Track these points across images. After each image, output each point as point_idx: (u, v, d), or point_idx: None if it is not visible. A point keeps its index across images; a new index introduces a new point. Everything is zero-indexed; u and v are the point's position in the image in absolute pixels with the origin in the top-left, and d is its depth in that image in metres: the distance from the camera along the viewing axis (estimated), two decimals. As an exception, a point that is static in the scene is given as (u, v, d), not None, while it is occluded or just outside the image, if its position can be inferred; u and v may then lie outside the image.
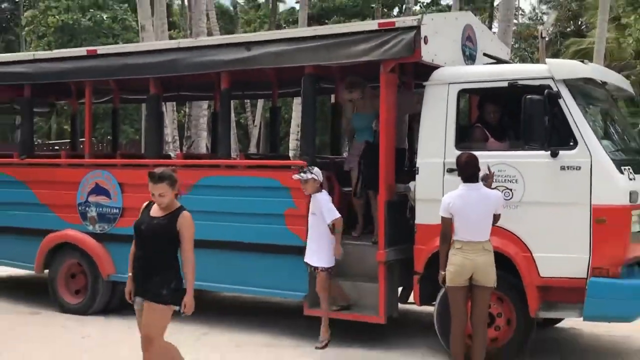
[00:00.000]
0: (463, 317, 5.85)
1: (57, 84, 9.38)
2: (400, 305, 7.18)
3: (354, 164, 7.49)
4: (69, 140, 13.21)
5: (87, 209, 8.33)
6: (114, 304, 8.30)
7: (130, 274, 5.10)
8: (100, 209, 8.19)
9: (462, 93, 6.69)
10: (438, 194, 6.30)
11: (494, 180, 6.09)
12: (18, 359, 6.62)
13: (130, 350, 6.16)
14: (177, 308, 4.95)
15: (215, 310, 8.56)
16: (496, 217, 5.82)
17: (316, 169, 6.81)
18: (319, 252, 6.82)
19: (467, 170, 5.80)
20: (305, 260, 6.87)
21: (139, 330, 5.05)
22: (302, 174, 6.74)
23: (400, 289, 7.20)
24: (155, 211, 5.01)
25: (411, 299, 7.05)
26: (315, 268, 6.82)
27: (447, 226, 5.79)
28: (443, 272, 5.81)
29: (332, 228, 6.78)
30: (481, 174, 5.94)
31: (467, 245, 5.70)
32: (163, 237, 4.90)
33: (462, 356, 5.85)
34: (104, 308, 8.31)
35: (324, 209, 6.75)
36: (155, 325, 4.91)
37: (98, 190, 8.22)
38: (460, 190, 5.81)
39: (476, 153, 5.92)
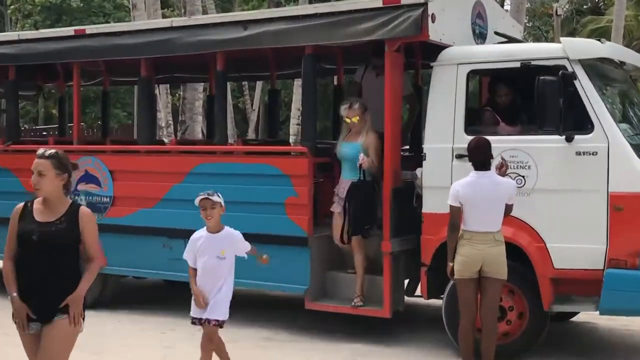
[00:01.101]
0: (472, 310, 5.84)
1: (43, 65, 9.38)
2: (406, 299, 7.19)
3: (340, 207, 7.12)
4: (56, 125, 13.21)
5: (76, 197, 8.30)
6: (105, 297, 8.38)
7: (14, 294, 4.11)
8: (90, 198, 8.19)
9: (471, 74, 6.68)
10: (446, 181, 6.29)
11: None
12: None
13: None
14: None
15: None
16: (508, 207, 5.77)
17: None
18: (223, 304, 5.58)
19: (478, 156, 5.76)
20: (205, 316, 5.51)
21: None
22: (211, 196, 5.49)
23: (406, 281, 7.20)
24: (42, 215, 4.20)
25: (418, 291, 7.05)
26: (215, 322, 5.54)
27: (455, 215, 5.76)
28: (451, 264, 5.79)
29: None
30: (496, 162, 5.92)
31: (477, 235, 5.68)
32: (66, 244, 4.18)
33: (471, 352, 5.85)
34: (93, 302, 8.27)
35: (239, 244, 5.66)
36: (68, 348, 4.18)
37: (88, 177, 8.21)
38: (471, 177, 5.77)
39: (486, 138, 5.89)
